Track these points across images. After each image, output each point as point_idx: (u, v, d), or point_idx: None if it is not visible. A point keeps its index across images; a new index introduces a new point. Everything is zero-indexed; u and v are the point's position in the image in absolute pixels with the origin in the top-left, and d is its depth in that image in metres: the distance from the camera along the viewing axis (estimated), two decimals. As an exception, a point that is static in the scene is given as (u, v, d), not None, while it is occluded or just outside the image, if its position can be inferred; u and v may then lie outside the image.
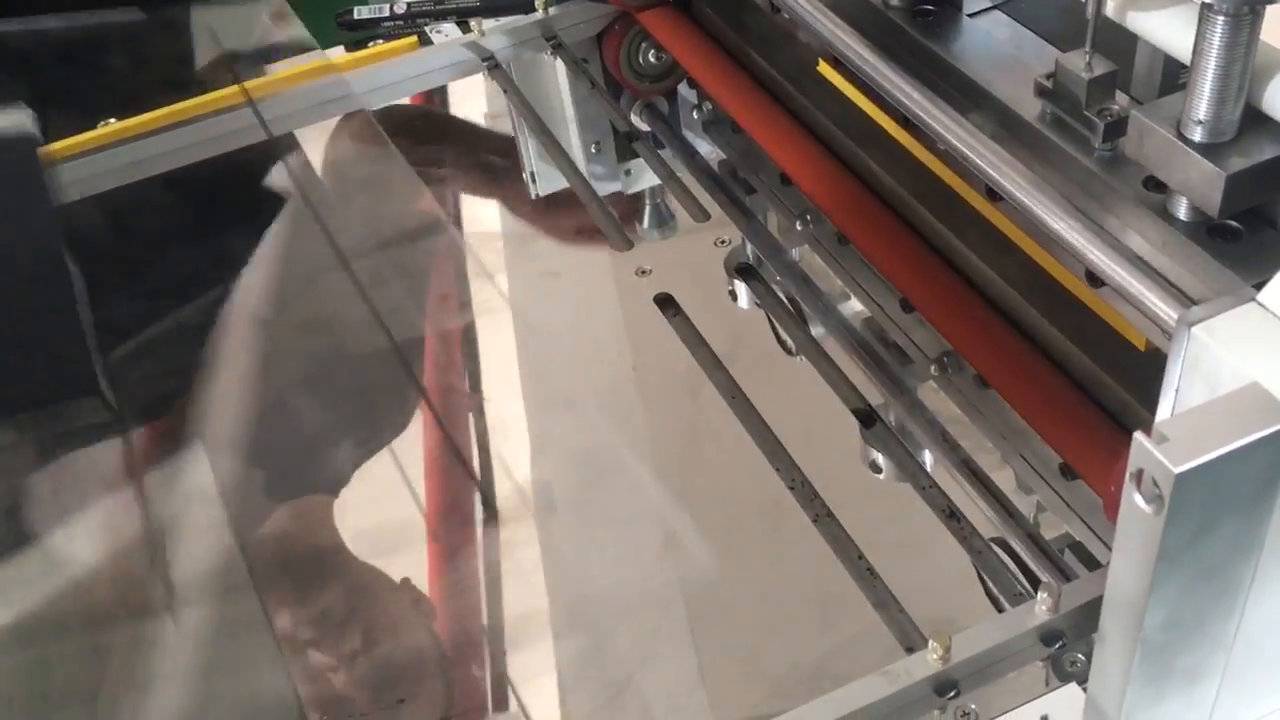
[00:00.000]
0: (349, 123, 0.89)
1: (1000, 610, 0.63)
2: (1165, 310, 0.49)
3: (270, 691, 0.64)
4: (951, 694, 0.52)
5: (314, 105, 0.85)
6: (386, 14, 0.90)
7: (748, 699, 0.56)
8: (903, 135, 0.67)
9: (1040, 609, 0.52)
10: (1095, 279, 0.55)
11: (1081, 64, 0.53)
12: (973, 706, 0.52)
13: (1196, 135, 0.48)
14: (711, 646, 0.58)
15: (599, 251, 0.85)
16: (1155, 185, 0.52)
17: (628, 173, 0.94)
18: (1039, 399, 0.60)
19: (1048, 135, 0.56)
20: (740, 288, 0.83)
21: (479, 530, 0.72)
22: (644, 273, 0.80)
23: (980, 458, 0.66)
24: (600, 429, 0.74)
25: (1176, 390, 0.43)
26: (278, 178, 0.91)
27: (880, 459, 0.70)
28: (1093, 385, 0.61)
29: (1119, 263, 0.52)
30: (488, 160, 0.98)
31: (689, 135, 0.92)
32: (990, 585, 0.63)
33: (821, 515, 0.62)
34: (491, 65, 0.89)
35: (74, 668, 0.66)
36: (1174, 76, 0.57)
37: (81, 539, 0.70)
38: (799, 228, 0.80)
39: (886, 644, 0.56)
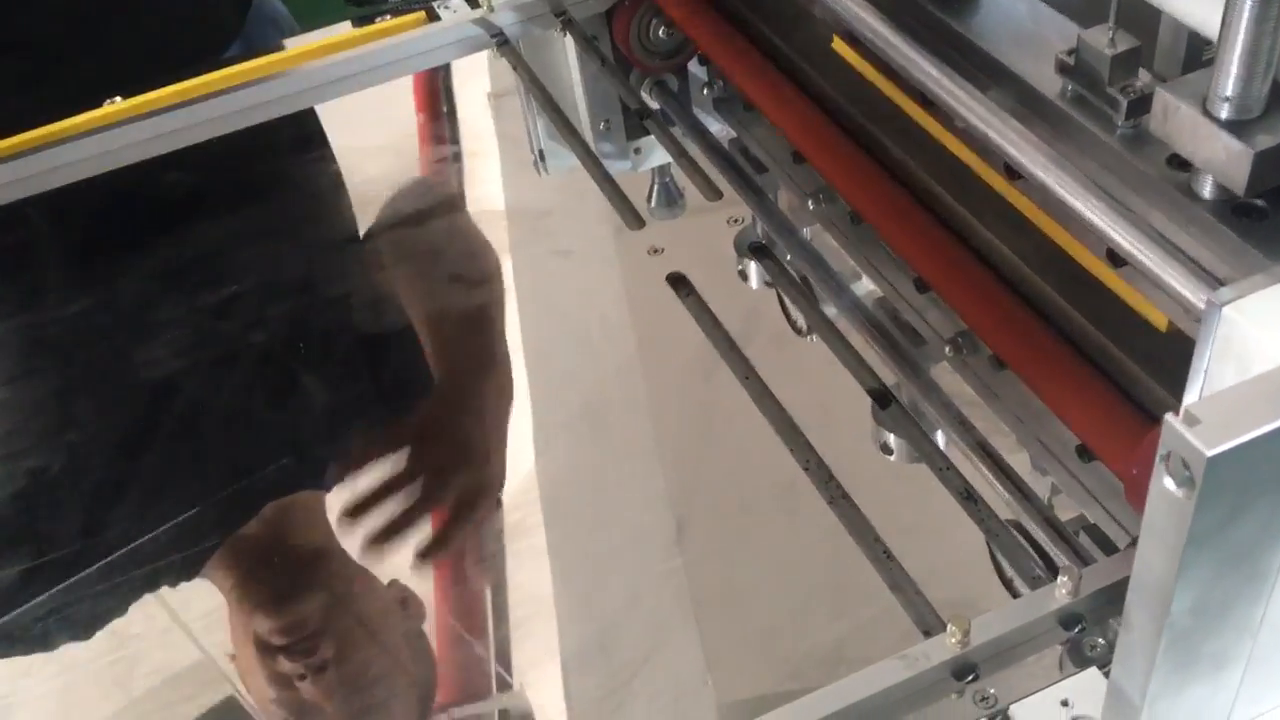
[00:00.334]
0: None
1: (1013, 594, 0.63)
2: (1191, 291, 0.49)
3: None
4: (970, 678, 0.51)
5: (324, 84, 0.84)
6: (394, -11, 0.89)
7: (763, 682, 0.56)
8: (919, 113, 0.66)
9: (1060, 592, 0.51)
10: (1117, 259, 0.54)
11: (1104, 40, 0.52)
12: (991, 690, 0.51)
13: (1223, 112, 0.47)
14: (726, 630, 0.57)
15: (609, 231, 0.84)
16: (1179, 163, 0.51)
17: (637, 151, 0.94)
18: (1057, 380, 0.59)
19: (1069, 113, 0.55)
20: (751, 267, 0.82)
21: (483, 514, 0.72)
22: (656, 252, 0.79)
23: (995, 440, 0.66)
24: (611, 410, 0.73)
25: (1205, 372, 0.42)
26: (286, 155, 0.90)
27: (892, 440, 0.69)
28: (1111, 367, 0.60)
29: (1142, 242, 0.51)
30: None
31: (699, 113, 0.91)
32: (1004, 569, 0.63)
33: (837, 497, 0.61)
34: (500, 42, 0.88)
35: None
36: (1198, 53, 0.56)
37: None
38: (811, 207, 0.79)
39: (903, 627, 0.56)
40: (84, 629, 0.69)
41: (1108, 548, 0.61)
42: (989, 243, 0.66)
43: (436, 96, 1.08)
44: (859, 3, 0.66)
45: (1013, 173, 0.59)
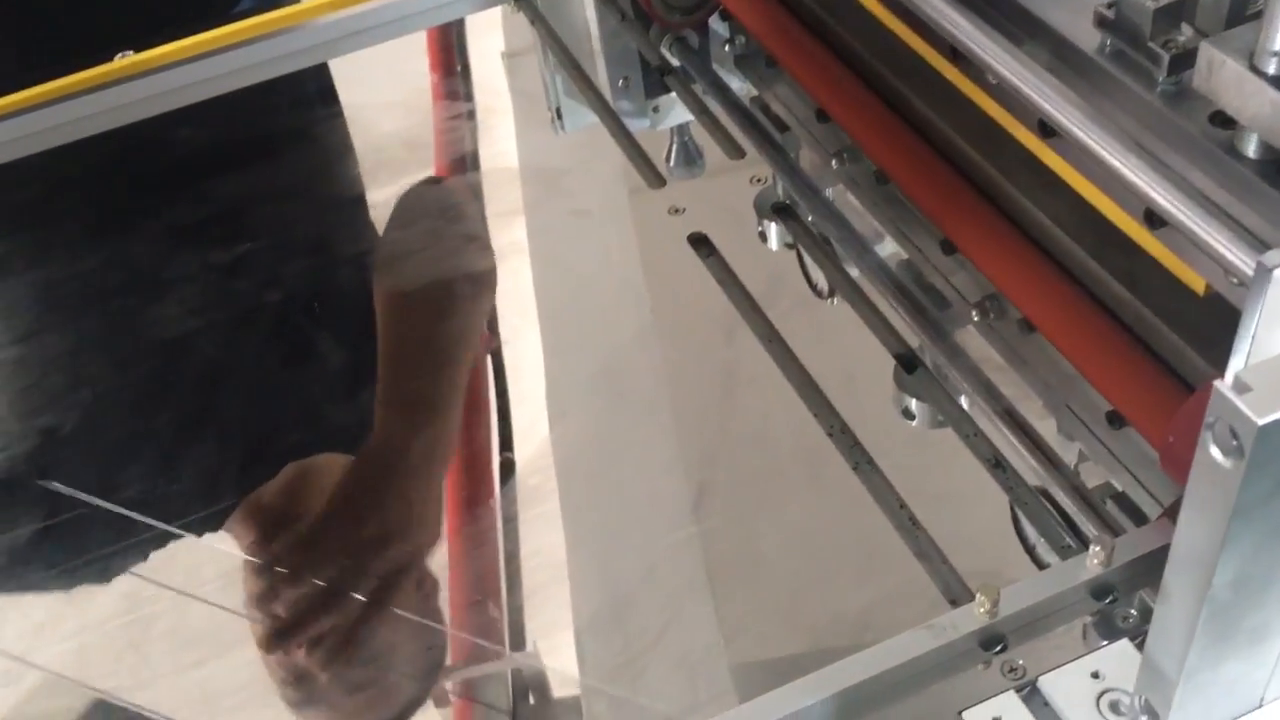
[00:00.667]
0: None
1: (1036, 563, 0.61)
2: (1235, 252, 0.47)
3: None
4: (999, 648, 0.50)
5: (337, 38, 0.82)
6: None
7: (787, 650, 0.55)
8: (948, 68, 0.64)
9: (1092, 562, 0.50)
10: (1155, 219, 0.52)
11: (1146, -8, 0.51)
12: (1020, 661, 0.50)
13: (1271, 67, 0.46)
14: (749, 597, 0.56)
15: (628, 190, 0.83)
16: (1223, 121, 0.49)
17: (656, 109, 0.92)
18: (1089, 345, 0.58)
19: (1107, 68, 0.53)
20: (771, 228, 0.81)
21: (497, 481, 0.71)
22: (676, 211, 0.77)
23: (1021, 406, 0.64)
24: (629, 374, 0.72)
25: (1254, 337, 0.41)
26: (302, 112, 0.88)
27: (914, 406, 0.68)
28: (1146, 331, 0.58)
29: (1184, 202, 0.49)
30: None
31: (720, 70, 0.90)
32: (1027, 538, 0.62)
33: (861, 463, 0.60)
34: (518, -4, 0.87)
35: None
36: (1242, 7, 0.54)
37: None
38: (835, 166, 0.77)
39: (930, 596, 0.55)
40: (99, 589, 0.68)
41: (1137, 517, 0.60)
42: (1019, 203, 0.64)
43: (450, 55, 1.06)
44: (887, -46, 0.64)
45: (1046, 130, 0.57)
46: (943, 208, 0.66)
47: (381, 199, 0.89)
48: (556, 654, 0.62)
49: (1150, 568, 0.50)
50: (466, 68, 1.05)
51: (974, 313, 0.67)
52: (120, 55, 0.80)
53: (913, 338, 0.68)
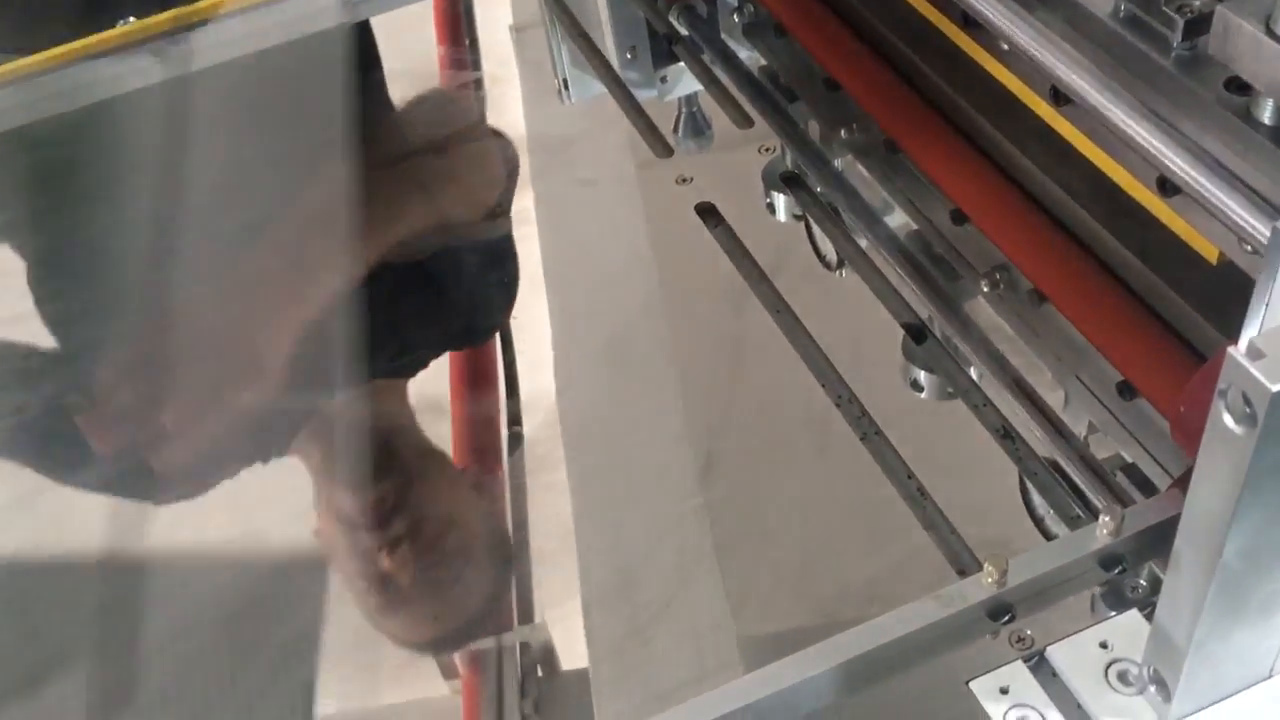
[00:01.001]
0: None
1: (1044, 534, 0.61)
2: (1250, 220, 0.46)
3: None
4: (1006, 618, 0.50)
5: (345, 4, 0.81)
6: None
7: (794, 620, 0.55)
8: (960, 35, 0.63)
9: (1102, 533, 0.50)
10: (1168, 187, 0.52)
11: (1161, -45, 0.50)
12: (1028, 631, 0.50)
13: (1288, 32, 0.45)
14: (756, 566, 0.56)
15: (635, 160, 0.82)
16: (1238, 87, 0.48)
17: (664, 79, 0.91)
18: (1100, 315, 0.58)
19: (1121, 33, 0.52)
20: (779, 200, 0.80)
21: (504, 450, 0.71)
22: (684, 181, 0.77)
23: (1030, 376, 0.64)
24: (636, 344, 0.72)
25: (1268, 304, 0.40)
26: (319, 76, 0.88)
27: (923, 377, 0.67)
28: (1157, 301, 0.58)
29: (1198, 169, 0.49)
30: None
31: (728, 40, 0.89)
32: (1035, 508, 0.61)
33: (869, 433, 0.60)
34: (524, -36, 0.86)
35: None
36: (1259, -29, 0.53)
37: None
38: (844, 136, 0.76)
39: (937, 566, 0.54)
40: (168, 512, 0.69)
41: (1146, 488, 0.59)
42: (1030, 172, 0.64)
43: (458, 26, 1.05)
44: (898, -80, 0.64)
45: (1059, 97, 0.56)
46: (953, 177, 0.65)
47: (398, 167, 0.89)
48: (564, 624, 0.62)
49: (1160, 538, 0.50)
50: (474, 41, 1.04)
51: (984, 283, 0.66)
52: (122, 22, 0.79)
53: (922, 308, 0.68)
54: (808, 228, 0.78)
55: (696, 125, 0.91)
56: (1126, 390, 0.59)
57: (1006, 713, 0.48)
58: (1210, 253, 0.53)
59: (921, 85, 0.70)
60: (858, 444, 0.59)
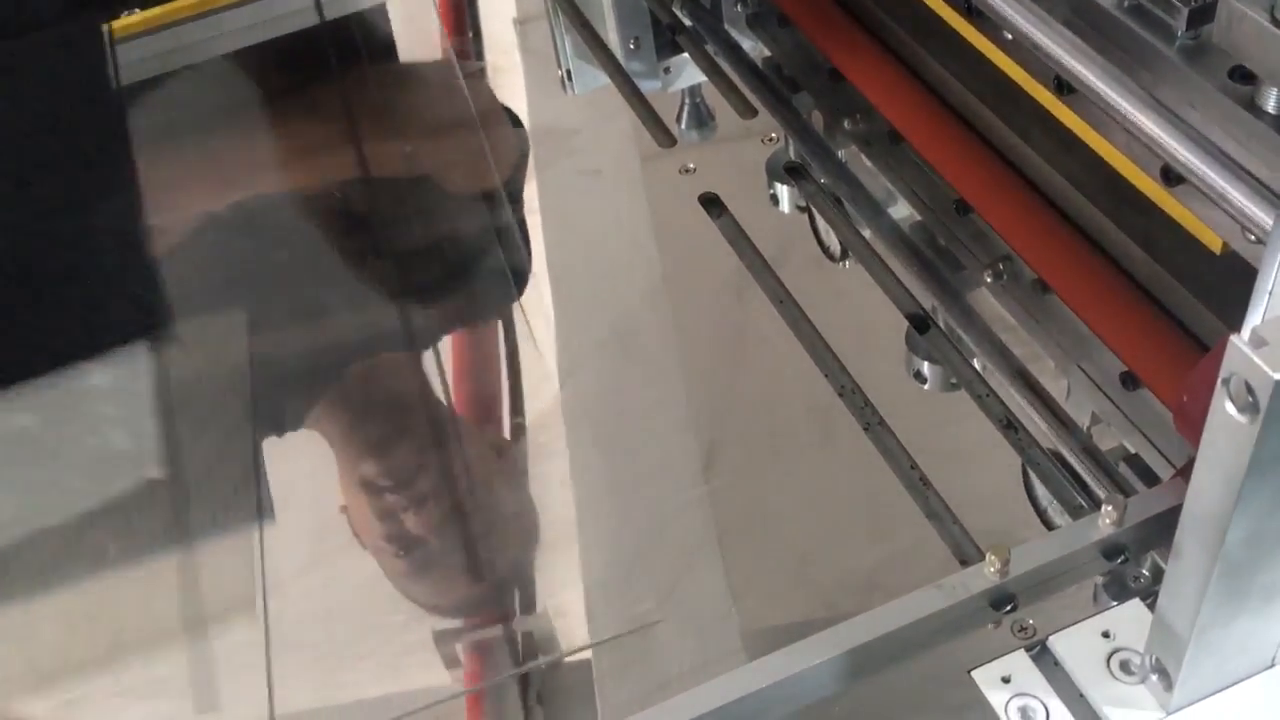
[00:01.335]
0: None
1: (1047, 524, 0.61)
2: (1254, 209, 0.46)
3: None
4: (1009, 608, 0.50)
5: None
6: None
7: (796, 609, 0.55)
8: (964, 25, 0.63)
9: (1104, 522, 0.50)
10: (1172, 176, 0.52)
11: (1166, -57, 0.50)
12: (1030, 621, 0.50)
13: (1293, 21, 0.45)
14: (758, 556, 0.56)
15: (638, 150, 0.82)
16: (1243, 76, 0.48)
17: (667, 70, 0.91)
18: (1104, 305, 0.58)
19: (1125, 22, 0.52)
20: (782, 190, 0.80)
21: (506, 439, 0.71)
22: (687, 171, 0.77)
23: (1033, 367, 0.64)
24: (639, 333, 0.72)
25: (1271, 292, 0.40)
26: (325, 62, 0.88)
27: (926, 368, 0.67)
28: (1160, 291, 0.58)
29: (1202, 158, 0.49)
30: None
31: (731, 31, 0.89)
32: (1038, 499, 0.61)
33: (872, 423, 0.60)
34: (527, -46, 0.86)
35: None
36: (1264, -41, 0.53)
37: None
38: (848, 127, 0.76)
39: (940, 556, 0.54)
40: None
41: (1149, 479, 0.59)
42: (1033, 162, 0.64)
43: (461, 16, 1.05)
44: (902, -91, 0.64)
45: (1063, 86, 0.56)
46: (957, 168, 0.65)
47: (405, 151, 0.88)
48: (565, 613, 0.62)
49: (1162, 528, 0.50)
50: (479, 33, 1.04)
51: (987, 274, 0.66)
52: (126, 13, 0.79)
53: (925, 299, 0.68)
54: (811, 219, 0.78)
55: (700, 116, 0.91)
56: (1129, 380, 0.59)
57: (1008, 702, 0.48)
58: (1213, 242, 0.53)
59: (925, 75, 0.70)
60: (861, 434, 0.59)
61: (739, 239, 0.71)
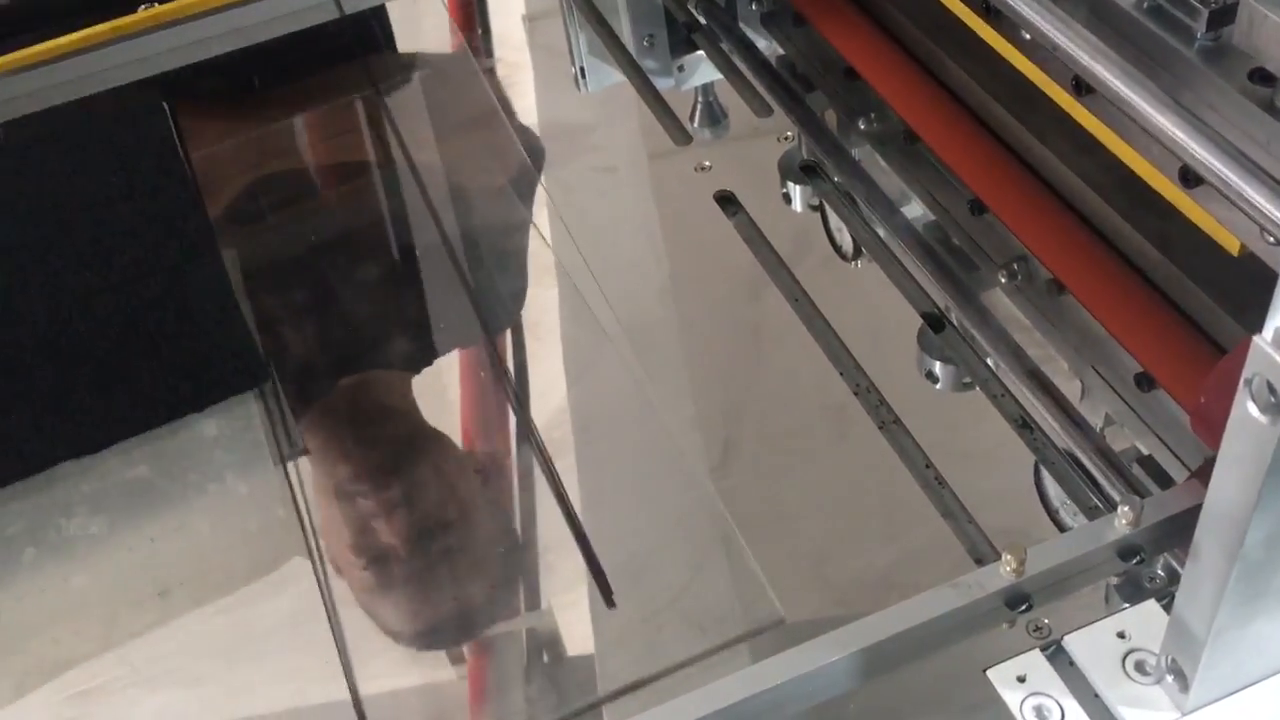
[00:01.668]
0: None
1: (1058, 526, 0.61)
2: (1273, 211, 0.46)
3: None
4: (1024, 608, 0.50)
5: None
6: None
7: (810, 607, 0.55)
8: (981, 25, 0.63)
9: (1120, 523, 0.50)
10: (1191, 178, 0.52)
11: (1186, -55, 0.50)
12: (1046, 621, 0.50)
13: (1315, 22, 0.45)
14: (773, 554, 0.56)
15: (652, 148, 0.82)
16: (1263, 78, 0.48)
17: (681, 68, 0.91)
18: (1120, 306, 0.58)
19: (1145, 23, 0.52)
20: (795, 190, 0.80)
21: (513, 438, 0.70)
22: (702, 169, 0.77)
23: (1046, 368, 0.64)
24: (655, 330, 0.71)
25: (1292, 293, 0.40)
26: (348, 60, 0.88)
27: (938, 368, 0.68)
28: (1177, 293, 0.58)
29: (1222, 160, 0.49)
30: None
31: (746, 29, 0.89)
32: (1049, 500, 0.61)
33: (888, 421, 0.60)
34: (542, -49, 0.86)
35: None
36: (1284, -39, 0.53)
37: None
38: (862, 126, 0.76)
39: (955, 555, 0.54)
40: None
41: (1163, 480, 0.60)
42: (1050, 163, 0.64)
43: (471, 15, 1.05)
44: (919, -92, 0.64)
45: (1081, 87, 0.56)
46: (972, 168, 0.65)
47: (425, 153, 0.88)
48: (570, 611, 0.61)
49: (1178, 529, 0.50)
50: (488, 30, 1.05)
51: (1001, 275, 0.66)
52: (144, 7, 0.79)
53: (939, 299, 0.68)
54: (823, 218, 0.78)
55: (713, 115, 0.91)
56: (1144, 382, 0.59)
57: (1023, 701, 0.48)
58: (1231, 244, 0.53)
59: (941, 75, 0.70)
60: (876, 432, 0.59)
61: (754, 237, 0.71)
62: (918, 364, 0.67)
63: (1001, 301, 0.67)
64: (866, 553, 0.57)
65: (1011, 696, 0.48)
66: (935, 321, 0.65)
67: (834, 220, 0.77)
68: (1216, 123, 0.50)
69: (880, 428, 0.60)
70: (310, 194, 0.85)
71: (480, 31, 1.05)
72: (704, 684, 0.47)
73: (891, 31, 0.73)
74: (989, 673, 0.48)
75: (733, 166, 0.80)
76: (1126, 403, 0.61)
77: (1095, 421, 0.63)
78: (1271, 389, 0.36)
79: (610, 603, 0.58)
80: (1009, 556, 0.49)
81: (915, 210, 0.74)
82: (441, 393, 0.74)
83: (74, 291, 0.69)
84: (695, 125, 0.90)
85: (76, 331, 0.67)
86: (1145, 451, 0.61)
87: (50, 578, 0.62)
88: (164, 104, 0.80)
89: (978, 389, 0.62)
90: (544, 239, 0.79)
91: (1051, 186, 0.64)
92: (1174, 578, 0.52)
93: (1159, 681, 0.47)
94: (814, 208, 0.80)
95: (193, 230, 0.72)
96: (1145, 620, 0.49)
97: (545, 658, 0.60)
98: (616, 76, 0.91)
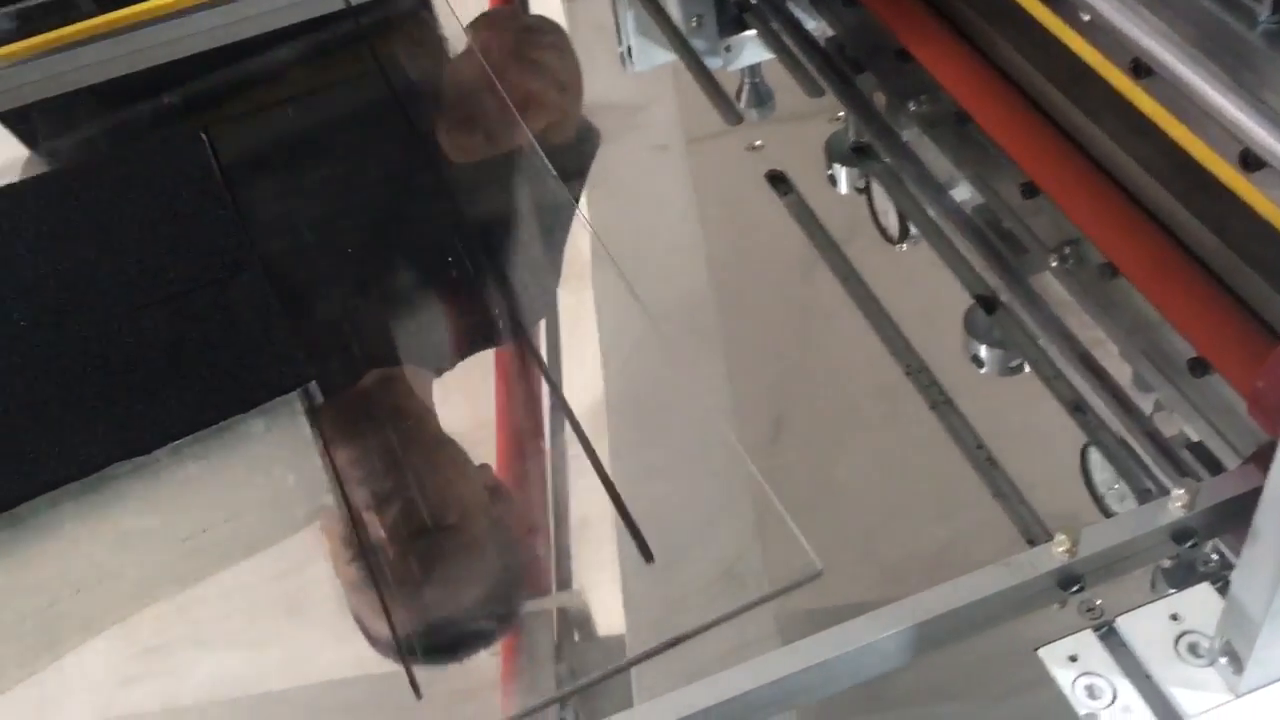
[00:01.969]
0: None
1: (1103, 510, 0.61)
2: (1338, 194, 0.46)
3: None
4: (1076, 588, 0.50)
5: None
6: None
7: (861, 585, 0.55)
8: (1038, 7, 0.63)
9: (1175, 505, 0.50)
10: (1252, 161, 0.51)
11: (1252, -74, 0.49)
12: (1098, 602, 0.50)
13: (1383, 4, 0.45)
14: (822, 532, 0.56)
15: (700, 127, 0.82)
16: (1328, 61, 0.48)
17: (728, 49, 0.91)
18: (1176, 290, 0.57)
19: (1207, 6, 0.52)
20: (841, 172, 0.80)
21: (546, 418, 0.70)
22: (754, 148, 0.77)
23: (1096, 352, 0.64)
24: (706, 307, 0.71)
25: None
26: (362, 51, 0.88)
27: (984, 352, 0.67)
28: (1234, 277, 0.58)
29: (1285, 143, 0.48)
30: None
31: (795, 10, 0.88)
32: (1095, 485, 0.61)
33: (939, 401, 0.60)
34: (592, -70, 0.86)
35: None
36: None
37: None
38: (912, 108, 0.76)
39: (1007, 535, 0.55)
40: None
41: (1212, 466, 0.59)
42: (1105, 146, 0.63)
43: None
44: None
45: (1140, 70, 0.56)
46: (1027, 150, 0.65)
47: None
48: (600, 591, 0.62)
49: (1233, 512, 0.50)
50: (526, 7, 1.05)
51: (1053, 258, 0.66)
52: None
53: (989, 281, 0.68)
54: (869, 200, 0.78)
55: (760, 96, 0.91)
56: (1198, 367, 0.59)
57: (1075, 680, 0.48)
58: (1290, 229, 0.53)
59: (994, 57, 0.70)
60: (927, 412, 0.59)
61: (805, 216, 0.71)
62: (964, 348, 0.67)
63: (1051, 286, 0.67)
64: (917, 531, 0.57)
65: (1063, 675, 0.48)
66: (988, 303, 0.65)
67: (880, 203, 0.77)
68: (1280, 106, 0.50)
69: (931, 408, 0.60)
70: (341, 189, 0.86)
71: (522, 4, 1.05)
72: (743, 643, 0.47)
73: (946, 13, 0.73)
74: (1040, 652, 0.49)
75: (782, 148, 0.80)
76: (1178, 388, 0.61)
77: (1145, 408, 0.63)
78: (1339, 371, 0.36)
79: (649, 557, 0.58)
80: (1063, 537, 0.49)
81: (964, 193, 0.74)
82: (473, 383, 0.73)
83: (123, 307, 0.73)
84: (742, 106, 0.90)
85: (127, 343, 0.71)
86: (1195, 438, 0.61)
87: (105, 568, 0.64)
88: (203, 134, 0.84)
89: (1028, 370, 0.62)
90: (585, 220, 0.79)
91: (1105, 170, 0.63)
92: (1227, 561, 0.52)
93: (1212, 664, 0.47)
94: (860, 190, 0.80)
95: (234, 247, 0.76)
96: (1198, 603, 0.49)
97: (575, 628, 0.61)
98: (664, 56, 0.91)
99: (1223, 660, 0.47)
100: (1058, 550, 0.50)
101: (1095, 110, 0.63)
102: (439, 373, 0.75)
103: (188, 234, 0.77)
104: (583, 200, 0.81)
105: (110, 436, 0.66)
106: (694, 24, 0.90)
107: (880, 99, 0.81)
